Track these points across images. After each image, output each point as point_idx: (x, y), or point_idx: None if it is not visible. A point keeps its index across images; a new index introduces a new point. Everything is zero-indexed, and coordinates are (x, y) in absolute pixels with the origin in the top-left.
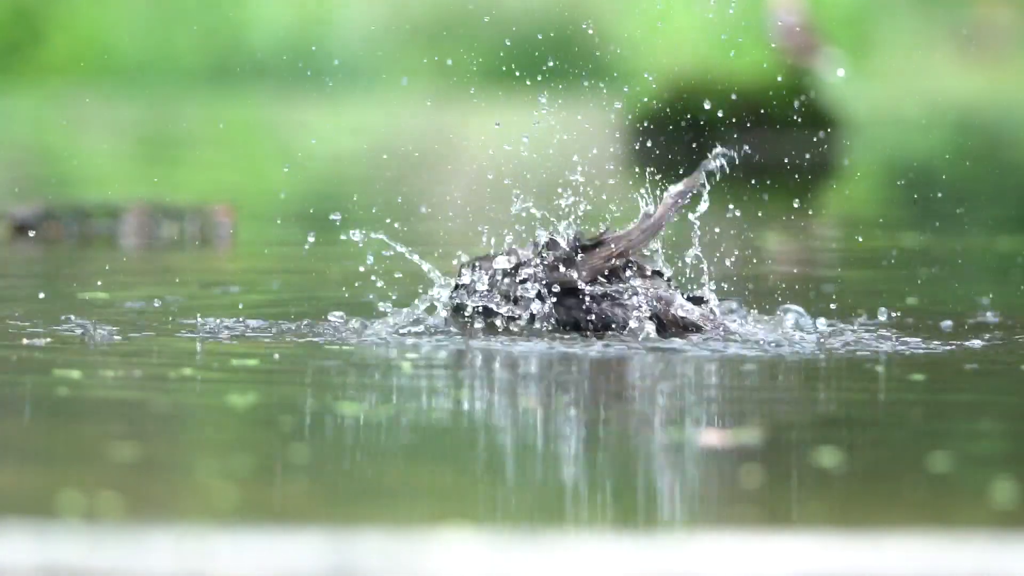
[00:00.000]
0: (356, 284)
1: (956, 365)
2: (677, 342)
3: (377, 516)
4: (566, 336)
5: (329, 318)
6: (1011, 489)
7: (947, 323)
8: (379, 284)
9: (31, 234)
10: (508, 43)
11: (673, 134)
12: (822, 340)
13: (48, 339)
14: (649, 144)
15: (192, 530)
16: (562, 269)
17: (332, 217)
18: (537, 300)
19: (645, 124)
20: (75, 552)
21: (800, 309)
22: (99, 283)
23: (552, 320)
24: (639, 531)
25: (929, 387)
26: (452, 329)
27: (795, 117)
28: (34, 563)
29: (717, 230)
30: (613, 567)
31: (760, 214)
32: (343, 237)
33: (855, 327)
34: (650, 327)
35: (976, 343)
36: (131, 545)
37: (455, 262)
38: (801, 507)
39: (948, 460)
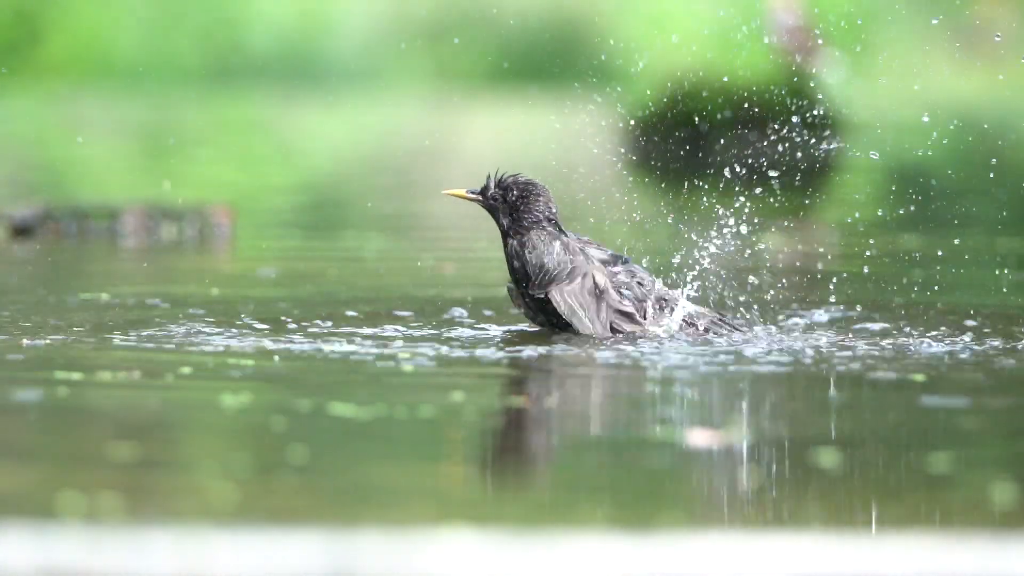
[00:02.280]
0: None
1: (958, 366)
2: (691, 345)
3: (378, 516)
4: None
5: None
6: (1010, 490)
7: (946, 324)
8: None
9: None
10: (509, 44)
11: (673, 134)
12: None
13: (48, 340)
14: (649, 144)
15: (192, 530)
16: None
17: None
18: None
19: (645, 124)
20: (75, 553)
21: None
22: (99, 283)
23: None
24: (638, 531)
25: (930, 388)
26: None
27: (794, 117)
28: (34, 564)
29: (714, 230)
30: (613, 567)
31: (759, 215)
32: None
33: (855, 328)
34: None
35: (978, 344)
36: (131, 546)
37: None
38: (801, 507)
39: (948, 461)
